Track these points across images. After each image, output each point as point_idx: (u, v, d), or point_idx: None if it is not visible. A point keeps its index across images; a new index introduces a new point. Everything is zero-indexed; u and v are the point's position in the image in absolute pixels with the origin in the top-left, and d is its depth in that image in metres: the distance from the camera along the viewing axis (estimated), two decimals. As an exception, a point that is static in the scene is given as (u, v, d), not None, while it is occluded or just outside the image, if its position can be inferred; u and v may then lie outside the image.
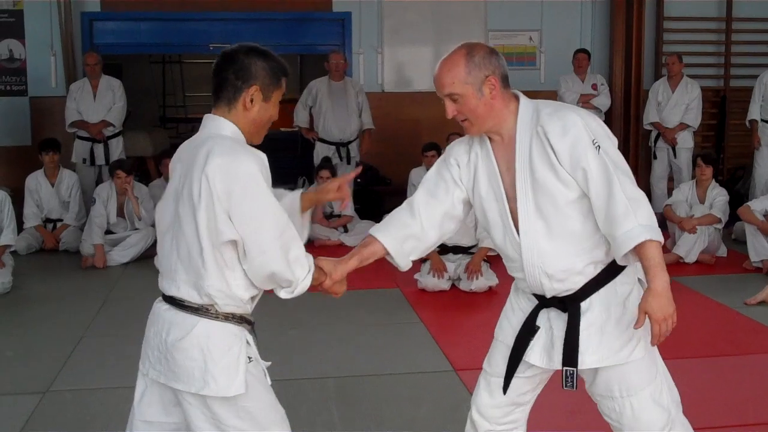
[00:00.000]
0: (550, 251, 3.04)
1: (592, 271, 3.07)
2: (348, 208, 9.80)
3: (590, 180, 2.93)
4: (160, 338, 2.87)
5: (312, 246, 9.35)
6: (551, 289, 3.10)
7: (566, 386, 3.11)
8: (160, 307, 2.92)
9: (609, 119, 11.41)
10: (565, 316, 3.11)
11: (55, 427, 4.78)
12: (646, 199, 2.97)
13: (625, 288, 3.10)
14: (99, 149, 10.18)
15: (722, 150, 12.08)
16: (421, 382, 5.48)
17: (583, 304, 3.08)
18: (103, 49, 11.10)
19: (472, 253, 7.64)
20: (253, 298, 2.92)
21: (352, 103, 10.59)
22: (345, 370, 5.67)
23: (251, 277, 2.82)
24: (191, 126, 14.89)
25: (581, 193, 2.98)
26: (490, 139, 3.14)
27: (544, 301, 3.16)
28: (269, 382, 2.98)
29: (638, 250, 2.90)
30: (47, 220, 9.66)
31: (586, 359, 3.07)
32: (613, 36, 12.01)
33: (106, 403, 5.05)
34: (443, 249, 7.71)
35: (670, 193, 9.88)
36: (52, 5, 10.96)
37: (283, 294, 2.87)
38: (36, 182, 9.61)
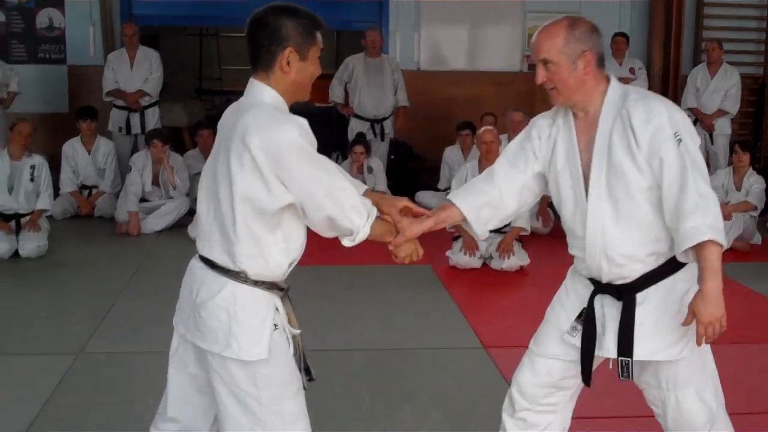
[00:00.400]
0: (615, 235, 3.05)
1: (652, 262, 3.07)
2: (381, 184, 9.80)
3: (665, 170, 2.92)
4: (190, 296, 2.89)
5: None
6: (609, 274, 3.10)
7: (622, 377, 3.11)
8: (195, 265, 2.93)
9: (646, 104, 11.31)
10: (619, 305, 3.11)
11: (88, 387, 4.86)
12: (717, 201, 2.95)
13: (683, 285, 3.07)
14: (135, 118, 10.25)
15: (760, 137, 11.96)
16: (450, 358, 5.49)
17: (639, 295, 3.07)
18: (141, 20, 11.14)
19: (505, 233, 7.63)
20: (291, 264, 2.92)
21: (387, 80, 10.57)
22: (375, 344, 5.70)
23: (315, 229, 2.84)
24: (227, 98, 14.90)
25: (654, 183, 2.97)
26: (574, 115, 3.15)
27: (599, 287, 3.16)
28: (293, 352, 2.95)
29: (698, 249, 2.89)
30: (83, 187, 9.77)
31: (638, 351, 3.07)
32: (652, 20, 11.91)
33: (138, 365, 5.11)
34: (475, 227, 7.71)
35: (705, 180, 9.79)
36: (91, -25, 11.03)
37: (346, 242, 2.87)
38: (73, 149, 9.71)
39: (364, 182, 9.54)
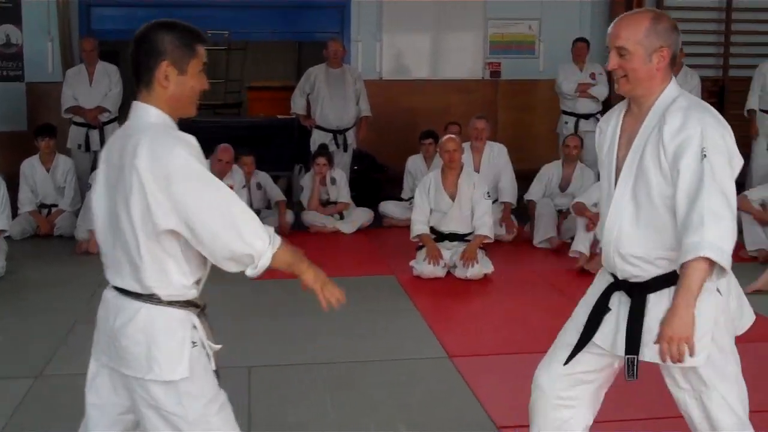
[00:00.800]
0: (630, 234, 3.09)
1: (665, 266, 3.06)
2: (344, 195, 9.77)
3: (679, 182, 2.94)
4: (107, 324, 2.85)
5: (307, 233, 9.33)
6: (622, 271, 3.14)
7: (628, 377, 3.10)
8: (109, 294, 2.90)
9: (607, 108, 11.29)
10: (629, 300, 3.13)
11: (47, 411, 4.78)
12: (731, 221, 2.91)
13: (701, 293, 2.99)
14: (94, 135, 10.12)
15: (720, 140, 12.02)
16: (414, 368, 5.47)
17: (653, 297, 3.07)
18: (100, 35, 11.04)
19: (468, 241, 7.63)
20: (198, 282, 2.87)
21: (349, 90, 10.54)
22: (338, 356, 5.66)
23: (214, 262, 2.77)
24: (188, 113, 14.89)
25: (674, 192, 2.98)
26: (628, 109, 3.20)
27: (617, 282, 3.19)
28: (214, 367, 2.90)
29: (687, 265, 2.87)
30: (42, 206, 9.63)
31: (645, 351, 3.06)
32: (612, 25, 11.94)
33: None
34: (439, 236, 7.70)
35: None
36: (49, -10, 10.93)
37: (249, 272, 2.77)
38: (31, 167, 9.58)
39: (327, 194, 9.65)
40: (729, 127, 3.08)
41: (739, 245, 8.39)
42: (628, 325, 3.09)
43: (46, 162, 9.60)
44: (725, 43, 12.18)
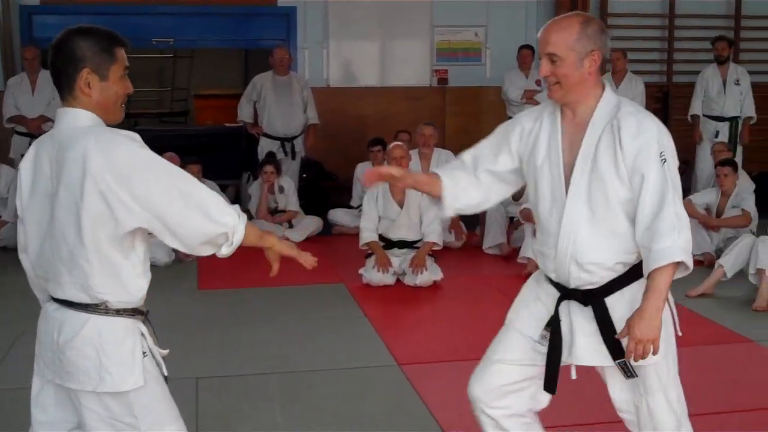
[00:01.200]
0: (587, 240, 3.05)
1: (620, 269, 3.08)
2: (293, 203, 9.73)
3: (644, 187, 2.94)
4: (51, 339, 2.78)
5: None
6: (577, 279, 3.11)
7: (627, 377, 3.11)
8: (50, 308, 2.83)
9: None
10: (586, 310, 3.12)
11: (-10, 426, 4.68)
12: (689, 224, 2.97)
13: None
14: (38, 145, 9.97)
15: (665, 145, 12.18)
16: (365, 377, 5.44)
17: (609, 301, 3.08)
18: (43, 43, 10.85)
19: (417, 248, 7.63)
20: (143, 289, 2.82)
21: (296, 98, 10.50)
22: (288, 366, 5.61)
23: (187, 249, 2.72)
24: (134, 121, 14.66)
25: (632, 196, 2.98)
26: (562, 113, 3.14)
27: (565, 293, 3.15)
28: (165, 374, 2.88)
29: (658, 269, 2.91)
30: (-16, 217, 9.46)
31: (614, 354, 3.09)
32: (558, 32, 12.04)
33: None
34: (388, 244, 7.69)
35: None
36: (-10, -1, 10.75)
37: (225, 250, 2.75)
38: (-27, 178, 9.42)
39: (276, 202, 9.59)
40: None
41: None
42: (602, 332, 3.08)
43: (-12, 172, 9.44)
44: (669, 50, 12.35)
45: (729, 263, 7.19)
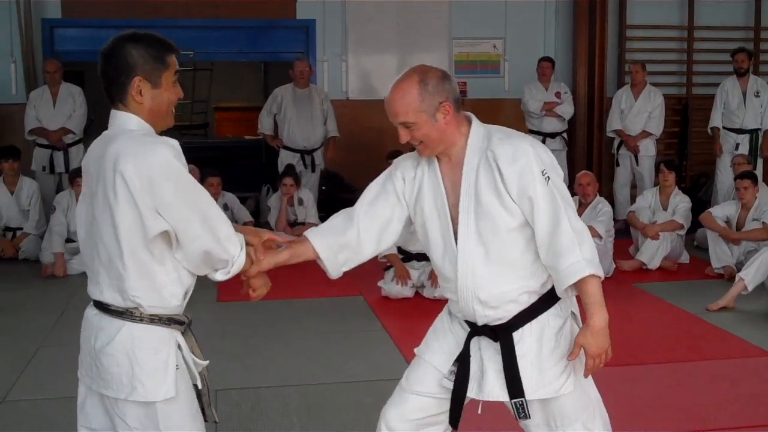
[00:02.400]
0: (486, 276, 3.01)
1: (526, 300, 3.05)
2: (312, 216, 9.74)
3: (536, 210, 2.92)
4: (89, 344, 2.80)
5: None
6: (483, 317, 3.07)
7: (520, 417, 3.08)
8: (90, 313, 2.84)
9: (572, 127, 11.46)
10: (496, 346, 3.07)
11: (11, 437, 4.71)
12: (589, 232, 2.98)
13: (558, 321, 3.07)
14: (59, 157, 10.06)
15: (685, 157, 12.17)
16: (383, 390, 5.37)
17: (515, 335, 3.05)
18: (64, 56, 10.99)
19: (436, 261, 7.61)
20: (185, 294, 2.83)
21: (316, 110, 10.55)
22: (307, 379, 5.62)
23: (187, 264, 2.74)
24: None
25: (523, 222, 2.97)
26: (438, 158, 3.11)
27: (475, 329, 3.11)
28: (200, 385, 2.89)
29: (579, 285, 2.91)
30: (6, 229, 9.51)
31: (531, 390, 3.04)
32: (577, 44, 12.07)
33: (63, 412, 4.93)
34: (407, 256, 7.69)
35: (632, 200, 9.92)
36: (12, 12, 10.84)
37: (220, 276, 2.80)
38: (-5, 190, 9.49)
39: (295, 214, 9.61)
40: (542, 144, 3.13)
41: (705, 263, 8.49)
42: (504, 368, 3.04)
43: (11, 185, 9.50)
44: (688, 62, 12.32)
45: (749, 276, 7.15)
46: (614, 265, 8.19)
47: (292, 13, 11.82)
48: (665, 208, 8.87)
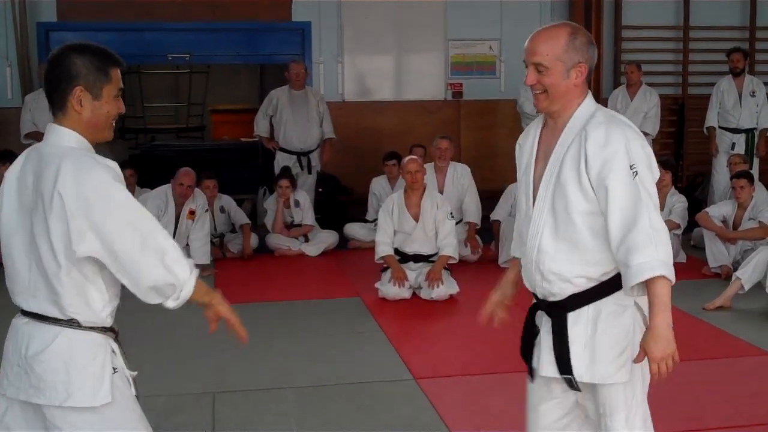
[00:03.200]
0: (549, 250, 3.02)
1: (583, 284, 3.01)
2: (309, 218, 9.74)
3: (610, 201, 2.88)
4: (19, 353, 2.74)
5: (272, 256, 9.29)
6: (541, 288, 3.08)
7: (572, 389, 3.10)
8: (19, 322, 2.79)
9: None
10: (548, 321, 3.09)
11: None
12: (668, 235, 2.92)
13: (617, 309, 3.02)
14: (55, 160, 10.05)
15: (681, 157, 12.19)
16: (381, 391, 5.44)
17: (571, 315, 3.03)
18: (60, 59, 10.97)
19: (433, 262, 7.62)
20: (113, 309, 2.80)
21: (312, 112, 10.54)
22: (304, 380, 5.62)
23: (133, 291, 2.69)
24: (150, 136, 14.75)
25: (596, 209, 2.93)
26: (545, 123, 3.14)
27: (538, 302, 3.15)
28: (134, 392, 2.84)
29: (648, 285, 2.86)
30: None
31: (578, 371, 3.04)
32: (572, 45, 12.06)
33: None
34: (404, 257, 7.70)
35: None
36: (7, 15, 10.85)
37: (171, 303, 2.71)
38: (-9, 194, 9.45)
39: (292, 216, 9.62)
40: (644, 137, 3.08)
41: (702, 262, 8.50)
42: (554, 345, 3.05)
43: (6, 188, 9.47)
44: (684, 62, 12.34)
45: (746, 276, 7.16)
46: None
47: (288, 15, 11.83)
48: (662, 208, 8.82)
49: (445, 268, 7.62)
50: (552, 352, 3.07)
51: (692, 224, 9.10)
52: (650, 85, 10.92)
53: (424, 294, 7.55)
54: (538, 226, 3.04)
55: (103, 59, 2.76)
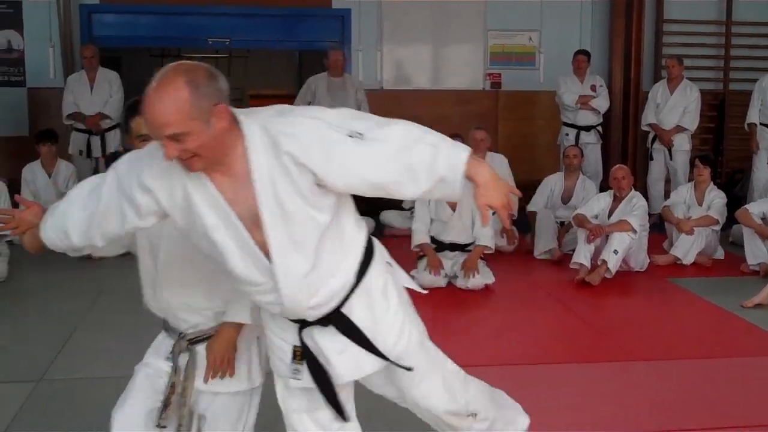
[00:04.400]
0: (313, 282, 2.76)
1: (349, 280, 2.86)
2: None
3: (359, 162, 2.68)
4: None
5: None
6: (315, 315, 2.85)
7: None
8: None
9: (607, 120, 11.41)
10: (327, 329, 2.89)
11: (47, 415, 4.76)
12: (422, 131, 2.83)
13: (379, 281, 2.94)
14: (96, 141, 10.17)
15: (721, 153, 12.10)
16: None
17: (344, 310, 2.87)
18: (101, 41, 11.08)
19: (469, 251, 7.63)
20: None
21: (350, 99, 10.55)
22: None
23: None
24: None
25: (334, 211, 2.76)
26: (214, 179, 2.67)
27: (303, 324, 2.90)
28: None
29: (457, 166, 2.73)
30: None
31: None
32: (613, 37, 12.02)
33: (98, 392, 5.02)
34: (440, 246, 7.70)
35: (666, 195, 9.87)
36: (51, -3, 10.96)
37: None
38: (32, 173, 9.57)
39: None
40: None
41: (741, 259, 8.44)
42: (358, 341, 2.94)
43: (48, 167, 9.59)
44: (725, 57, 12.24)
45: (785, 273, 7.11)
46: (649, 260, 8.14)
47: (328, 2, 11.87)
48: (700, 204, 8.82)
49: (481, 258, 7.62)
50: (347, 356, 2.95)
51: (731, 221, 9.02)
52: (690, 79, 10.84)
53: (460, 283, 7.56)
54: (289, 268, 2.72)
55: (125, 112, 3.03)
